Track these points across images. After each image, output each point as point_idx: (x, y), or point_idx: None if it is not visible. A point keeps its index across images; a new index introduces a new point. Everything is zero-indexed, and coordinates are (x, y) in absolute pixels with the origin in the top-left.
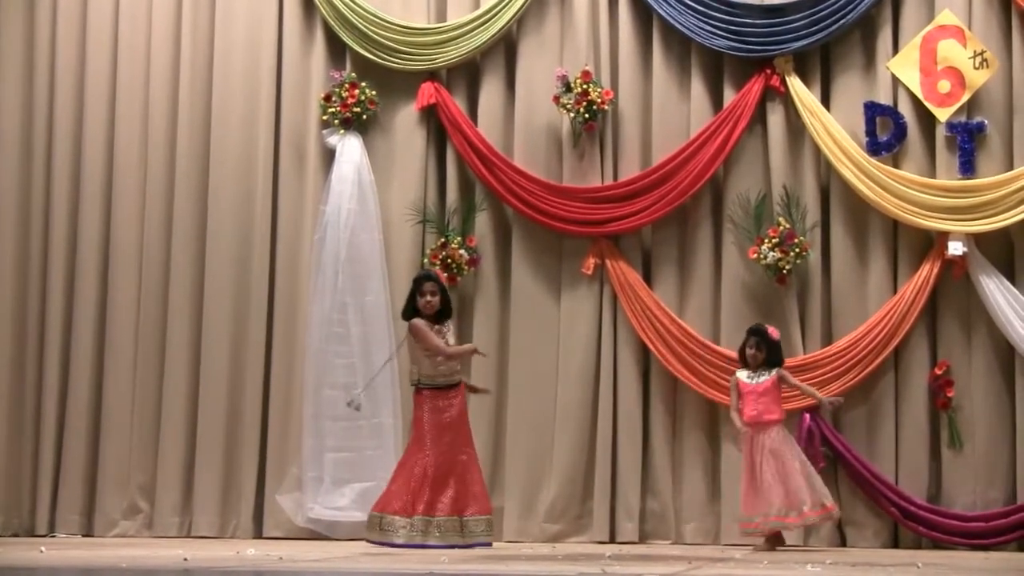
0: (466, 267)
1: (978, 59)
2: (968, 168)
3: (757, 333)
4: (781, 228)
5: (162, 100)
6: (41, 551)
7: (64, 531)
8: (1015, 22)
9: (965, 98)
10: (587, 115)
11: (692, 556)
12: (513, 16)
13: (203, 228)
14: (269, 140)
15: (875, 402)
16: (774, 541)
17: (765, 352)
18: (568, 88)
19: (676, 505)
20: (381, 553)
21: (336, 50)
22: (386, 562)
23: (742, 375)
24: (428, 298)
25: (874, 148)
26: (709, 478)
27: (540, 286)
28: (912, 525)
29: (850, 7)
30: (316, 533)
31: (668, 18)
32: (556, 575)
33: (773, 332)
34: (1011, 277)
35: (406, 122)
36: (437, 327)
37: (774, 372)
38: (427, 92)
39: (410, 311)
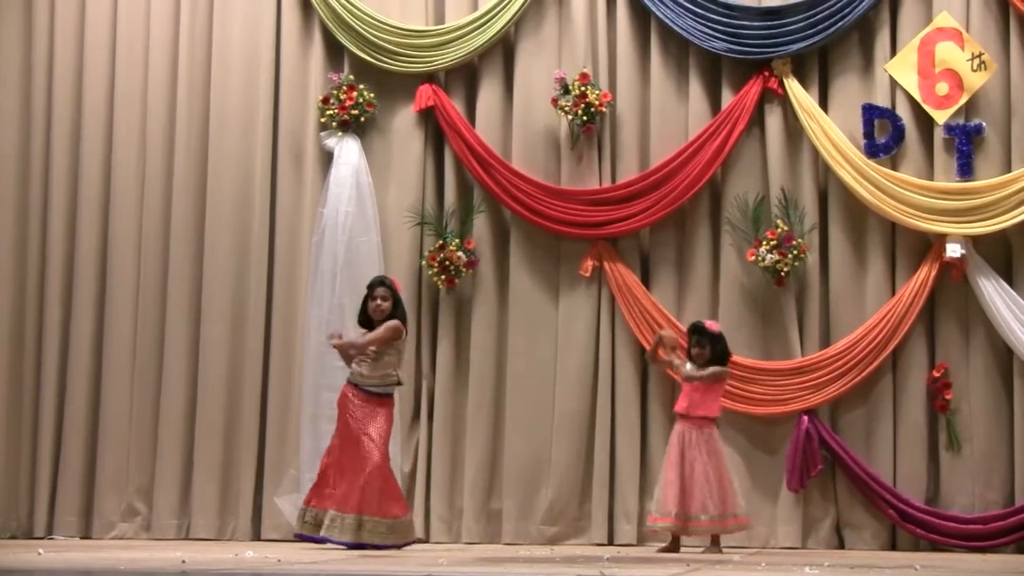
0: (464, 269)
1: (976, 61)
2: (966, 170)
3: (696, 331)
4: (779, 230)
5: (160, 102)
6: (39, 553)
7: (62, 533)
8: (1013, 24)
9: (963, 100)
10: (585, 117)
11: (690, 558)
12: (511, 18)
13: (201, 230)
14: (267, 143)
15: (873, 404)
16: (675, 545)
17: (708, 347)
18: (566, 90)
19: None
20: (380, 555)
21: (334, 52)
22: (383, 564)
23: (688, 366)
24: (378, 302)
25: (872, 150)
26: None
27: (538, 288)
28: (910, 527)
29: (848, 9)
30: None
31: (666, 20)
32: None
33: (711, 325)
34: (1009, 279)
35: (404, 124)
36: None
37: (711, 368)
38: (425, 94)
39: (362, 316)
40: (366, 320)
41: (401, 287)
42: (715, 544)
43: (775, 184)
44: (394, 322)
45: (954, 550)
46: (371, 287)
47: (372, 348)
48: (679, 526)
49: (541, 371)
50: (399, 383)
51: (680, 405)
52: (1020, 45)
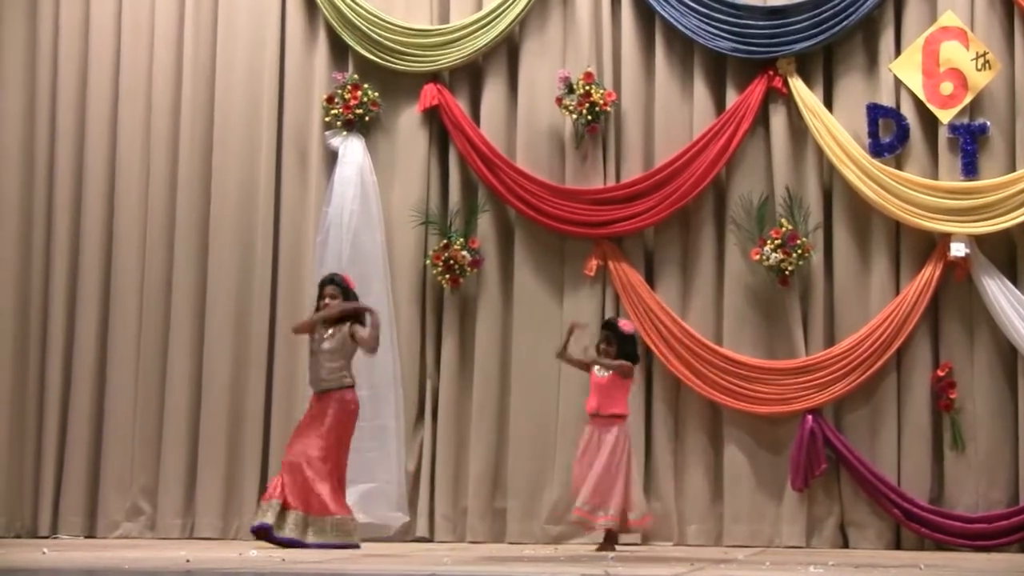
0: (468, 268)
1: (980, 60)
2: (970, 170)
3: (608, 327)
4: (784, 229)
5: (164, 101)
6: (44, 552)
7: (66, 532)
8: (1017, 23)
9: (967, 100)
10: (589, 116)
11: (694, 558)
12: (516, 18)
13: (206, 230)
14: (272, 142)
15: (877, 403)
16: (612, 540)
17: (616, 346)
18: (571, 89)
19: (678, 507)
20: (383, 554)
21: (339, 52)
22: (388, 563)
23: (596, 368)
24: (326, 301)
25: (876, 150)
26: (711, 480)
27: (542, 287)
28: (914, 526)
29: (852, 9)
30: None
31: (671, 19)
32: None
33: (624, 325)
34: (1013, 278)
35: (409, 124)
36: (331, 329)
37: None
38: (430, 94)
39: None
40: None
41: (354, 283)
42: (609, 541)
43: (779, 183)
44: (376, 315)
45: (959, 549)
46: (321, 286)
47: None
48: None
49: (545, 370)
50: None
51: (590, 405)
52: None
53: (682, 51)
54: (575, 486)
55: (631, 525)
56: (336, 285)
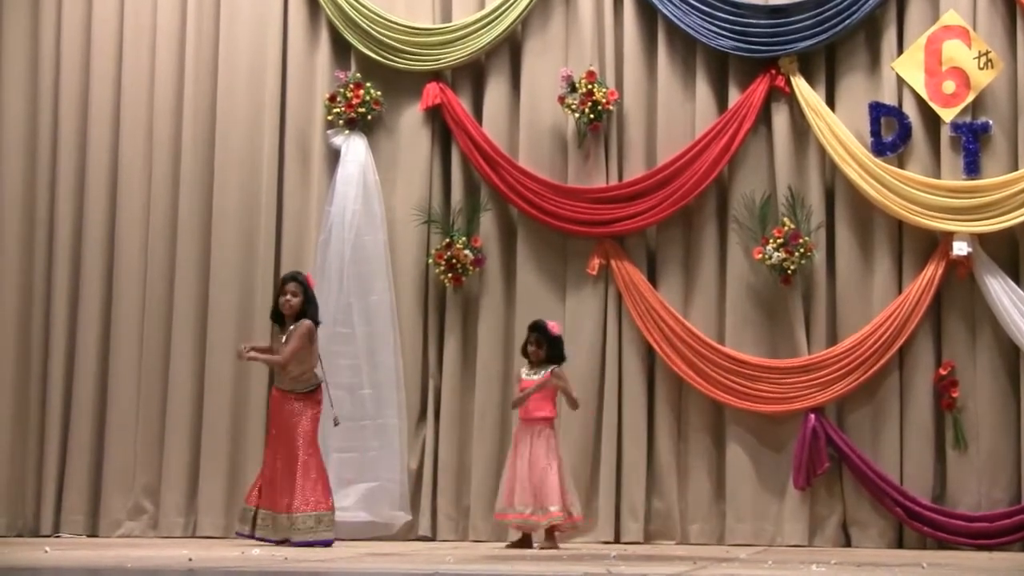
0: (471, 267)
1: (983, 59)
2: (973, 168)
3: (536, 329)
4: (786, 228)
5: (167, 101)
6: (46, 551)
7: (69, 531)
8: (1020, 23)
9: (970, 98)
10: (592, 115)
11: (697, 556)
12: (518, 16)
13: (208, 229)
14: (274, 141)
15: (880, 402)
16: (525, 540)
17: (545, 348)
18: (573, 88)
19: (681, 505)
20: (386, 553)
21: (341, 50)
22: (391, 562)
23: (523, 370)
24: (287, 297)
25: (879, 148)
26: (714, 478)
27: (545, 286)
28: (917, 525)
29: (855, 7)
30: None
31: (673, 18)
32: (561, 575)
33: (553, 327)
34: (1016, 277)
35: (411, 122)
36: (279, 328)
37: (549, 369)
38: (432, 92)
39: (273, 312)
40: (277, 315)
41: (314, 282)
42: (550, 538)
43: (782, 182)
44: (304, 327)
45: (961, 548)
46: (283, 282)
47: (290, 363)
48: (512, 522)
49: None
50: (318, 382)
51: (521, 409)
52: None
53: (684, 50)
54: (507, 488)
55: (569, 521)
56: (298, 283)
